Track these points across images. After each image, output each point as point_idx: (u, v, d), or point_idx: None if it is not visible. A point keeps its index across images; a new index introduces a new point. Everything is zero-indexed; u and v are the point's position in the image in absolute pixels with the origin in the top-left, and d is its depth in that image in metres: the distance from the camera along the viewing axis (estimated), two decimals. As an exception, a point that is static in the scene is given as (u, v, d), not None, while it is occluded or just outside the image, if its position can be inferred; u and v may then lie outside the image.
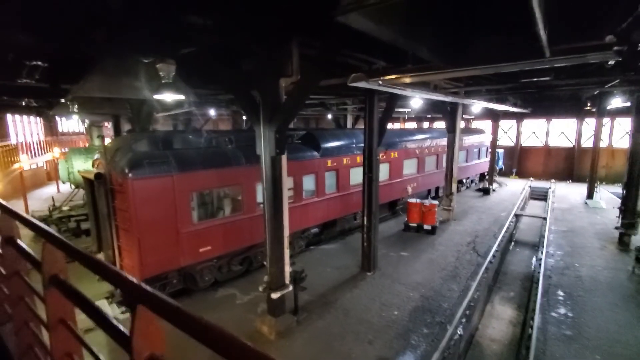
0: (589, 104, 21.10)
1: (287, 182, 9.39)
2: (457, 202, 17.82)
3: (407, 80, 6.22)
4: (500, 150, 25.45)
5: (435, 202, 12.63)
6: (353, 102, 16.72)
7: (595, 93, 16.90)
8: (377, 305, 7.96)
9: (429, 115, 27.40)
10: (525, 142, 27.07)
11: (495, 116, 21.38)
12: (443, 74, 5.40)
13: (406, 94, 8.34)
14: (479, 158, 21.46)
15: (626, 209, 11.76)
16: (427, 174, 16.20)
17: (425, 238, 12.34)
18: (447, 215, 14.42)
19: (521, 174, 26.73)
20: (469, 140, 20.51)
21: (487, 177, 21.69)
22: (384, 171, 13.38)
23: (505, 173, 26.23)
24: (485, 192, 20.10)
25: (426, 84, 10.16)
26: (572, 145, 25.00)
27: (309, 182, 10.43)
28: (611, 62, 4.95)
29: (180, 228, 7.61)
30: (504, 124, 26.90)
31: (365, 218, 9.24)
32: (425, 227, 12.70)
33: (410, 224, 12.91)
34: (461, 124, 14.85)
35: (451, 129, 13.58)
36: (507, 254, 13.75)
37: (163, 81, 5.51)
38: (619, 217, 12.07)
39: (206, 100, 13.17)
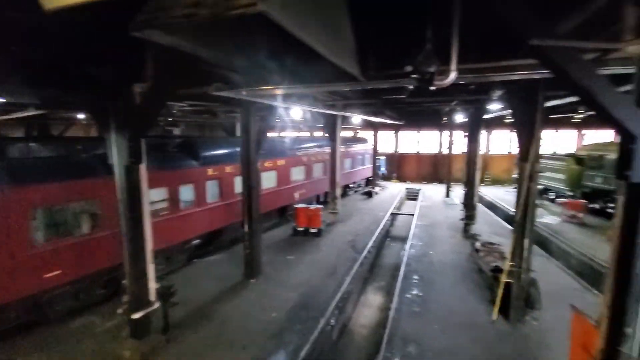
0: (445, 118, 25.53)
1: (160, 193, 8.91)
2: (343, 205, 19.37)
3: (273, 92, 6.60)
4: (382, 157, 28.69)
5: (320, 206, 13.49)
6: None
7: (446, 110, 20.67)
8: (256, 311, 8.08)
9: (320, 125, 29.18)
10: (402, 149, 31.11)
11: (375, 127, 24.07)
12: (274, 89, 5.96)
13: (277, 104, 8.79)
14: (363, 164, 23.75)
15: (466, 204, 14.58)
16: (316, 180, 17.21)
17: (311, 240, 13.05)
18: (333, 218, 15.54)
19: (400, 178, 30.56)
20: (355, 148, 22.58)
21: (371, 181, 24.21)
22: (271, 179, 13.72)
23: (387, 177, 29.64)
24: (369, 195, 22.34)
25: (306, 95, 10.85)
26: (436, 152, 29.77)
27: (187, 192, 10.00)
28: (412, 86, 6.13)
29: (17, 251, 6.44)
30: (385, 134, 30.46)
31: (246, 225, 9.32)
32: (312, 230, 13.45)
33: (298, 228, 13.51)
34: (346, 134, 16.35)
35: (332, 138, 14.75)
36: (383, 248, 15.51)
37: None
38: (462, 210, 14.89)
39: (63, 103, 11.45)
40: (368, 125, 23.97)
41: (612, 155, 15.75)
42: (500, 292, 7.50)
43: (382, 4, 4.91)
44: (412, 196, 24.98)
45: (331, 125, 14.66)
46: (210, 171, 10.68)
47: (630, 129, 3.43)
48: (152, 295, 6.35)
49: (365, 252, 11.92)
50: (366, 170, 24.06)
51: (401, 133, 30.63)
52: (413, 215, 17.86)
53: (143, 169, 5.90)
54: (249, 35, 3.31)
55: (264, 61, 4.60)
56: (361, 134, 29.65)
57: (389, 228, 17.69)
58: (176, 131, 18.40)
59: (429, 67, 4.56)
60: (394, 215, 18.77)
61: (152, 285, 6.33)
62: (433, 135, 29.82)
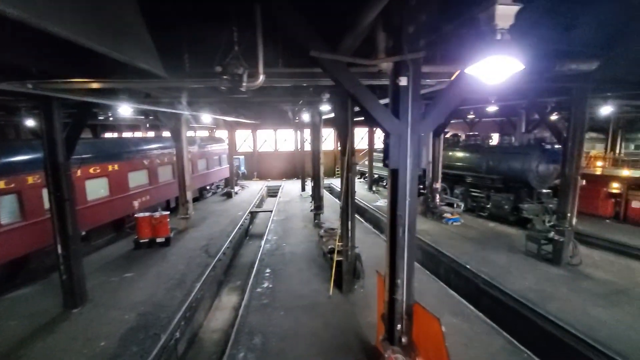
0: (297, 118, 27.31)
1: None
2: (199, 208, 18.43)
3: (70, 86, 5.64)
4: (242, 157, 28.55)
5: (166, 213, 12.41)
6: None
7: (295, 109, 22.16)
8: (79, 344, 6.83)
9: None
10: (261, 148, 31.69)
11: (231, 126, 23.67)
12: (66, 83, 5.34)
13: (94, 100, 7.62)
14: (220, 165, 23.08)
15: (314, 196, 16.03)
16: (163, 184, 15.74)
17: (157, 252, 11.88)
18: (185, 224, 14.56)
19: (261, 176, 31.12)
20: (210, 148, 21.68)
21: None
22: (100, 187, 11.81)
23: (248, 176, 29.70)
24: (228, 195, 21.92)
25: (135, 91, 9.70)
26: (293, 150, 31.57)
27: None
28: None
29: None
30: (244, 133, 30.37)
31: (59, 247, 7.73)
32: (158, 240, 12.26)
33: (141, 240, 12.08)
34: (196, 133, 15.44)
35: (177, 138, 13.76)
36: (241, 248, 15.52)
37: None
38: (311, 202, 16.30)
39: None
40: (225, 124, 23.39)
41: (419, 148, 20.07)
42: (333, 270, 8.58)
43: (186, 7, 4.87)
44: (273, 193, 25.82)
45: (175, 125, 13.63)
46: (1, 184, 8.36)
47: (387, 129, 4.40)
48: None
49: (219, 255, 11.64)
50: (223, 170, 23.47)
51: (259, 132, 31.14)
52: (271, 211, 18.49)
53: None
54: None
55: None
56: (219, 133, 28.69)
57: (248, 227, 17.81)
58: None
59: (237, 69, 4.74)
60: (253, 213, 18.98)
61: None
62: (290, 133, 31.50)
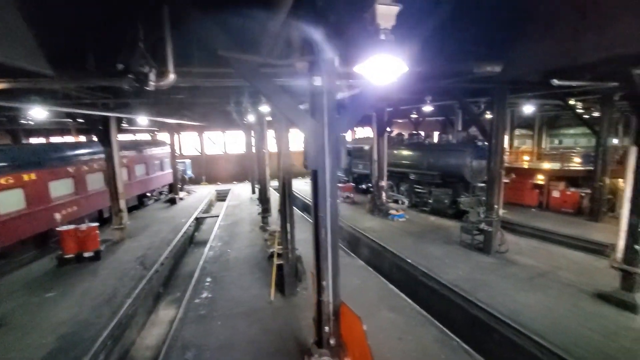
0: (245, 119, 26.65)
1: None
2: (138, 217, 17.28)
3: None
4: (188, 160, 27.26)
5: (95, 224, 11.37)
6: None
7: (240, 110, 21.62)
8: (-21, 381, 5.99)
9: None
10: (209, 151, 30.52)
11: (173, 128, 22.48)
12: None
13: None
14: (162, 170, 21.81)
15: (261, 199, 15.71)
16: (93, 193, 14.47)
17: (86, 267, 10.85)
18: (120, 235, 13.51)
19: (211, 180, 29.97)
20: (150, 152, 20.38)
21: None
22: (14, 199, 10.54)
23: (195, 181, 28.43)
24: (172, 202, 20.78)
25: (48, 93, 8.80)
26: (243, 152, 30.82)
27: None
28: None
29: None
30: (190, 135, 29.03)
31: (-48, 270, 6.71)
32: (87, 254, 11.19)
33: (66, 256, 10.95)
34: (136, 137, 14.36)
35: (106, 143, 12.70)
36: (185, 256, 14.77)
37: None
38: (259, 205, 15.96)
39: None
40: (165, 127, 22.14)
41: (367, 147, 20.55)
42: (273, 273, 8.41)
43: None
44: (222, 197, 24.96)
45: (102, 128, 12.58)
46: None
47: (303, 129, 4.33)
48: None
49: (157, 266, 10.93)
50: (166, 176, 22.22)
51: (207, 134, 29.97)
52: (218, 216, 17.83)
53: None
54: None
55: None
56: (164, 137, 27.10)
57: (192, 234, 17.02)
58: None
59: (142, 68, 4.40)
60: (199, 219, 18.17)
61: None
62: (240, 135, 30.68)
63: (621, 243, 7.58)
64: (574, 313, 7.47)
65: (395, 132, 23.07)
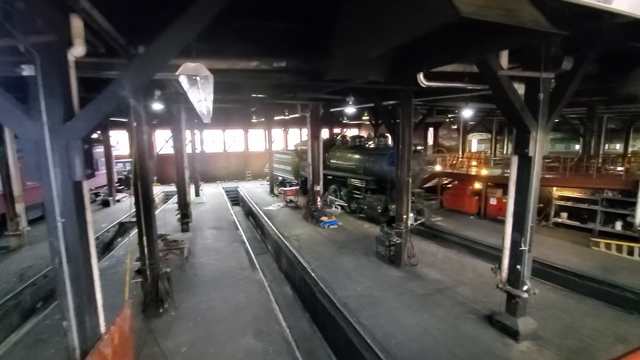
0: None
1: None
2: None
3: None
4: (130, 160, 26.01)
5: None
6: None
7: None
8: None
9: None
10: (161, 150, 29.29)
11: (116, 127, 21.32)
12: None
13: None
14: (97, 170, 20.59)
15: (180, 203, 14.77)
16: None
17: (-48, 280, 9.76)
18: (17, 242, 12.38)
19: (163, 181, 28.76)
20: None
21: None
22: None
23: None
24: (105, 204, 19.62)
25: None
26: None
27: None
28: None
29: None
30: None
31: None
32: (-42, 265, 10.09)
33: None
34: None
35: (-5, 142, 11.58)
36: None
37: None
38: (177, 211, 15.02)
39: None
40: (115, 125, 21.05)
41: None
42: (126, 293, 7.51)
43: None
44: (170, 199, 23.85)
45: (-10, 126, 11.46)
46: None
47: (18, 133, 3.49)
48: None
49: (36, 278, 9.90)
50: (101, 177, 21.01)
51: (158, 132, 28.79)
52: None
53: None
54: None
55: None
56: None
57: (111, 240, 15.96)
58: None
59: None
60: (122, 224, 17.07)
61: None
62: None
63: (505, 262, 6.99)
64: (451, 337, 6.84)
65: (355, 134, 22.40)
